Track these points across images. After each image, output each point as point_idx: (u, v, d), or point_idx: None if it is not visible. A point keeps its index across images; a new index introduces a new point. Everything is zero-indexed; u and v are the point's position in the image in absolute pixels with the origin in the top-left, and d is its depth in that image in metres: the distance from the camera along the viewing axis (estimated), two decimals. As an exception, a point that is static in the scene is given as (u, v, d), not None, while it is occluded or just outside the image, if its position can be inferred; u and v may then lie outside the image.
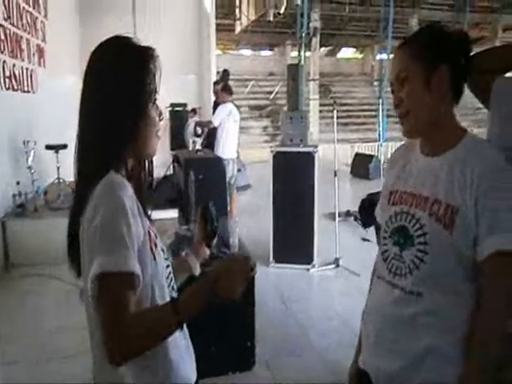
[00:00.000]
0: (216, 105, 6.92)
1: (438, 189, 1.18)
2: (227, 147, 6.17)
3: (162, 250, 1.09)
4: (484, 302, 1.13)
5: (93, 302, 0.91)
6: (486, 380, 1.11)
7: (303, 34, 15.73)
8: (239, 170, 6.80)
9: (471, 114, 21.83)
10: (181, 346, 1.10)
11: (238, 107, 7.24)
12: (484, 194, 1.10)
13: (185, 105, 7.73)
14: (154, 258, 1.01)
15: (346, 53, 25.96)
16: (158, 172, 5.31)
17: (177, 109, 7.69)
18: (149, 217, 1.12)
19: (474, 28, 21.43)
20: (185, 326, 1.01)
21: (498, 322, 1.11)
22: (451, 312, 1.17)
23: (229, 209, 6.75)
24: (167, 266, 1.12)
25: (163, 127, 8.47)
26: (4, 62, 4.63)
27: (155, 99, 1.07)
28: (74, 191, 1.06)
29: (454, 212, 1.14)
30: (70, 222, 1.03)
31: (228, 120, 6.24)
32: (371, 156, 10.11)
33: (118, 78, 1.01)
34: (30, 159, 4.64)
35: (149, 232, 1.02)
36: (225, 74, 7.66)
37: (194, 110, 7.80)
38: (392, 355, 1.25)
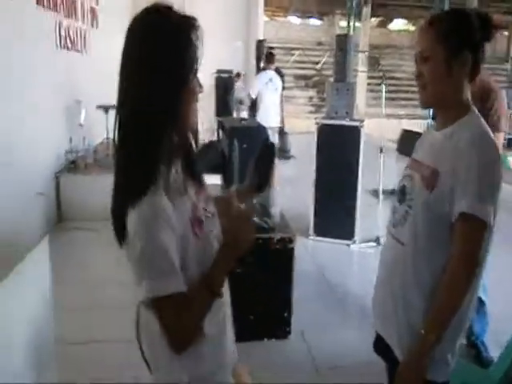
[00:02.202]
0: (262, 69, 6.86)
1: (432, 156, 1.37)
2: (266, 116, 6.16)
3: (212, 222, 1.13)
4: (449, 263, 1.27)
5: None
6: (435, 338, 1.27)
7: (353, 3, 15.24)
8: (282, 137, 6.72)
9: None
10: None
11: (282, 75, 7.16)
12: (460, 164, 1.25)
13: (231, 71, 7.71)
14: (200, 241, 1.06)
15: (398, 24, 24.94)
16: (203, 137, 5.38)
17: (222, 75, 7.67)
18: (201, 184, 1.15)
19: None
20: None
21: (455, 288, 1.26)
22: (425, 266, 1.33)
23: None
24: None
25: (208, 93, 8.54)
26: (60, 22, 4.73)
27: (196, 70, 1.04)
28: (115, 188, 1.04)
29: (436, 175, 1.31)
30: (114, 218, 1.04)
31: (266, 88, 6.24)
32: (419, 133, 9.72)
33: (158, 49, 0.98)
34: (82, 118, 4.79)
35: (192, 219, 1.05)
36: (259, 45, 7.56)
37: (238, 75, 7.79)
38: (380, 308, 1.50)
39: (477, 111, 1.38)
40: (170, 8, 1.02)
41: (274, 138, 6.44)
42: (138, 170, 0.99)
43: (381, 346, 1.51)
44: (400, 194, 1.45)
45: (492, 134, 1.33)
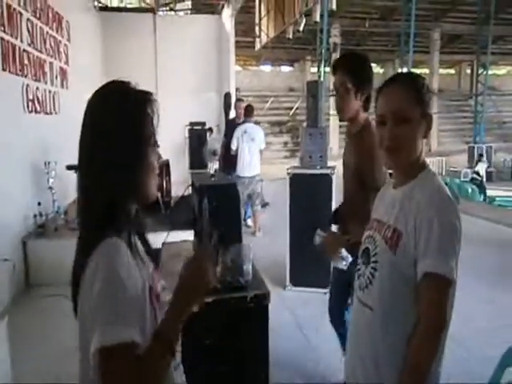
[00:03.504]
0: (231, 123, 6.96)
1: (392, 215, 1.37)
2: (244, 166, 6.41)
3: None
4: (417, 326, 1.26)
5: (96, 372, 0.91)
6: None
7: (323, 50, 15.79)
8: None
9: (496, 128, 21.51)
10: None
11: (258, 123, 7.30)
12: (421, 223, 1.26)
13: (203, 123, 7.80)
14: (155, 311, 1.02)
15: (367, 67, 25.86)
16: (177, 191, 5.35)
17: (195, 127, 7.76)
18: (155, 261, 1.12)
19: (499, 41, 21.15)
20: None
21: (425, 351, 1.24)
22: (394, 328, 1.32)
23: (251, 224, 6.82)
24: None
25: (182, 146, 8.58)
26: (27, 85, 4.75)
27: (154, 143, 1.07)
28: (78, 242, 1.05)
29: (398, 235, 1.31)
30: (73, 274, 1.03)
31: (242, 141, 6.44)
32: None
33: (116, 124, 1.01)
34: (51, 180, 4.73)
35: (150, 286, 1.02)
36: (226, 98, 7.73)
37: (210, 129, 7.89)
38: (352, 364, 1.47)
39: (430, 167, 1.40)
40: (126, 83, 1.06)
41: (256, 187, 6.52)
42: (87, 238, 1.01)
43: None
44: (364, 257, 1.44)
45: (447, 190, 1.33)
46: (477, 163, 13.30)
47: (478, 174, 12.29)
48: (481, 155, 13.75)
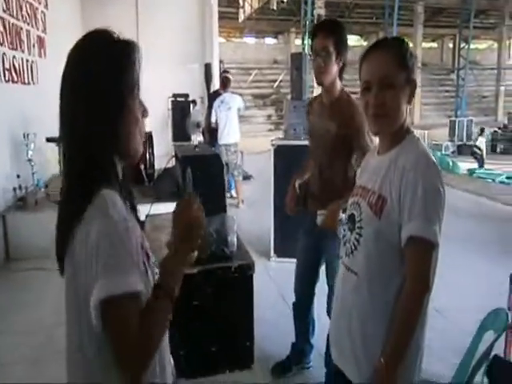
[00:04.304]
0: (214, 95, 6.94)
1: (377, 182, 1.37)
2: (223, 135, 6.57)
3: (154, 262, 1.07)
4: (403, 288, 1.29)
5: (99, 324, 0.89)
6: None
7: (307, 22, 15.60)
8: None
9: (476, 102, 21.69)
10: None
11: (240, 94, 7.30)
12: (406, 188, 1.27)
13: (187, 95, 7.68)
14: (146, 273, 1.00)
15: (351, 40, 25.68)
16: (160, 163, 5.30)
17: (179, 99, 7.64)
18: (140, 222, 1.11)
19: (481, 15, 21.14)
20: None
21: (410, 311, 1.27)
22: (380, 293, 1.34)
23: (235, 195, 6.86)
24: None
25: (165, 118, 8.45)
26: (4, 54, 4.60)
27: (137, 94, 1.03)
28: (62, 200, 1.02)
29: (383, 201, 1.32)
30: (58, 238, 0.99)
31: (220, 110, 6.60)
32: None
33: (97, 71, 0.97)
34: (31, 152, 4.63)
35: (141, 244, 1.00)
36: (207, 69, 7.71)
37: (193, 101, 7.82)
38: (337, 330, 1.49)
39: (415, 133, 1.40)
40: (109, 32, 1.02)
41: (233, 158, 6.56)
42: (78, 192, 0.95)
43: (339, 376, 1.48)
44: (349, 223, 1.45)
45: (431, 155, 1.35)
46: (477, 137, 13.34)
47: (478, 148, 12.33)
48: (482, 130, 13.74)
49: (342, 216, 2.11)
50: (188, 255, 1.05)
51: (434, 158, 1.33)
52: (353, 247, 1.40)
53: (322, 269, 2.56)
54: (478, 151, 12.10)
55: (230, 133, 6.60)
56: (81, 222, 0.92)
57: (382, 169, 1.37)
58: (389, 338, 1.28)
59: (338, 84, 2.31)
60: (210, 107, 6.86)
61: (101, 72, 0.97)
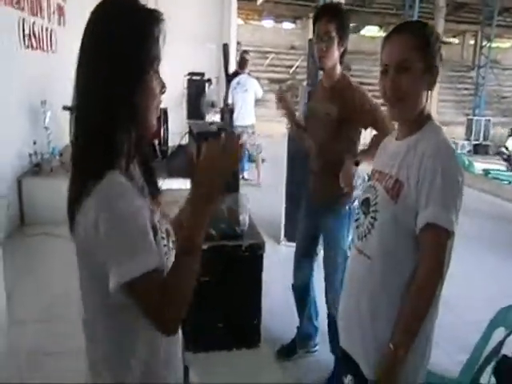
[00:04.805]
0: (233, 76, 6.91)
1: (394, 166, 1.36)
2: (239, 116, 6.60)
3: (166, 231, 1.06)
4: (416, 274, 1.28)
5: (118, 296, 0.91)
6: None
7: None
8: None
9: (496, 102, 21.39)
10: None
11: (256, 78, 7.29)
12: (424, 174, 1.26)
13: (202, 74, 7.63)
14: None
15: (370, 31, 25.33)
16: (174, 140, 5.29)
17: (194, 77, 7.59)
18: (156, 191, 1.10)
19: (505, 13, 20.71)
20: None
21: (421, 297, 1.27)
22: (392, 278, 1.33)
23: (248, 177, 6.89)
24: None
25: (180, 96, 8.42)
26: (23, 19, 4.57)
27: (157, 66, 0.99)
28: (72, 171, 0.98)
29: (400, 186, 1.31)
30: (69, 207, 0.98)
31: (236, 92, 6.63)
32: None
33: (119, 35, 0.94)
34: (47, 120, 4.64)
35: (151, 219, 0.98)
36: (225, 49, 7.65)
37: (209, 80, 7.78)
38: (347, 313, 1.48)
39: (435, 121, 1.39)
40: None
41: (254, 137, 6.61)
42: (92, 156, 0.94)
43: (347, 361, 1.48)
44: (364, 206, 1.44)
45: (451, 143, 1.34)
46: (507, 138, 13.05)
47: (506, 148, 12.09)
48: (512, 130, 13.47)
49: (355, 170, 2.14)
50: (211, 198, 0.96)
51: (454, 147, 1.32)
52: (366, 231, 1.39)
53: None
54: (505, 151, 11.81)
55: (246, 115, 6.63)
56: (85, 205, 0.91)
57: (401, 154, 1.35)
58: (399, 324, 1.28)
59: (338, 68, 2.34)
60: (228, 88, 6.84)
61: (123, 36, 0.93)
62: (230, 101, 6.61)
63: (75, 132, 0.98)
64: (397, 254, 1.33)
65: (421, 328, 1.27)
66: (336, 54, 2.27)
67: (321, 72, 2.67)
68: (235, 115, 6.59)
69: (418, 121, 1.35)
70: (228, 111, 6.60)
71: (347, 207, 2.34)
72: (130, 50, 0.94)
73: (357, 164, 2.22)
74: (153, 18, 0.97)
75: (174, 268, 0.95)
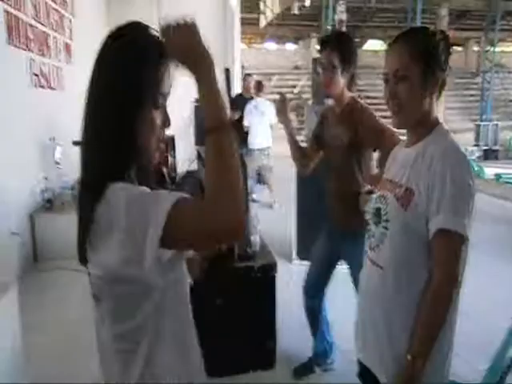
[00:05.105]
0: (239, 98, 6.99)
1: (404, 175, 1.35)
2: (256, 139, 6.68)
3: None
4: (430, 282, 1.26)
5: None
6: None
7: (328, 27, 15.55)
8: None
9: (502, 106, 21.27)
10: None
11: (271, 100, 7.39)
12: (434, 179, 1.25)
13: (209, 99, 7.73)
14: None
15: (372, 45, 25.52)
16: (183, 167, 5.35)
17: (201, 103, 7.69)
18: None
19: (508, 17, 20.76)
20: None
21: (438, 305, 1.25)
22: (406, 287, 1.31)
23: (256, 198, 6.90)
24: None
25: (187, 122, 8.54)
26: (32, 59, 4.72)
27: (162, 103, 0.98)
28: (78, 203, 1.00)
29: (411, 194, 1.30)
30: (79, 240, 0.98)
31: (251, 115, 6.69)
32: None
33: (118, 71, 0.93)
34: (58, 155, 4.73)
35: None
36: (227, 74, 7.77)
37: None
38: (362, 326, 1.47)
39: (444, 125, 1.38)
40: (146, 28, 0.98)
41: (268, 160, 6.66)
42: (95, 183, 0.94)
43: (365, 374, 1.47)
44: (375, 216, 1.43)
45: (460, 147, 1.32)
46: None
47: None
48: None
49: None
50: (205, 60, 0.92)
51: (463, 150, 1.30)
52: (378, 241, 1.39)
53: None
54: None
55: (263, 138, 6.71)
56: (95, 218, 0.90)
57: (410, 161, 1.35)
58: (415, 333, 1.26)
59: (346, 96, 2.34)
60: (233, 109, 6.91)
61: (126, 68, 0.92)
62: (246, 123, 6.68)
63: (83, 163, 1.00)
64: (410, 262, 1.31)
65: (439, 336, 1.25)
66: (341, 81, 2.29)
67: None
68: (252, 138, 6.69)
69: (425, 127, 1.35)
70: (241, 134, 6.63)
71: None
72: (129, 81, 0.93)
73: (371, 193, 2.20)
74: (160, 52, 0.95)
75: (209, 161, 0.87)
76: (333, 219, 2.47)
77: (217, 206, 0.83)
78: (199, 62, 0.91)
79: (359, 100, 2.38)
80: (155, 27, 0.98)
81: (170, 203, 0.83)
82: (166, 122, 1.01)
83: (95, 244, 0.92)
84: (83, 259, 0.98)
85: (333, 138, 2.39)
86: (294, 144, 2.57)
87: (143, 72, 0.94)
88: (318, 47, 2.38)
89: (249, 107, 6.75)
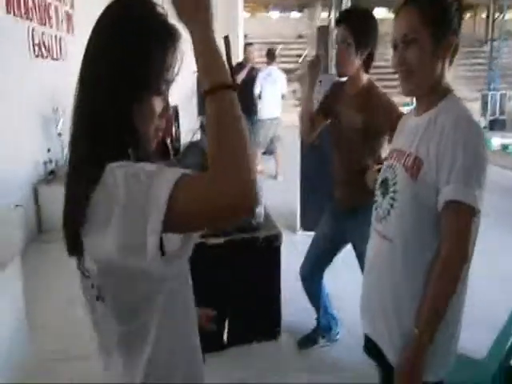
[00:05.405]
0: (239, 66, 6.90)
1: (413, 144, 1.29)
2: (267, 108, 6.61)
3: None
4: (439, 254, 1.22)
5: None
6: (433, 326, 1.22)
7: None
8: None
9: (511, 75, 20.88)
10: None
11: (282, 70, 7.35)
12: (444, 148, 1.20)
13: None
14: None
15: (378, 13, 24.96)
16: (186, 137, 5.32)
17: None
18: None
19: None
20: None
21: (447, 277, 1.22)
22: (415, 259, 1.27)
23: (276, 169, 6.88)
24: None
25: (190, 92, 8.43)
26: (33, 29, 4.64)
27: (163, 91, 0.89)
28: (67, 190, 0.90)
29: (420, 163, 1.25)
30: (68, 231, 0.89)
31: (266, 82, 6.63)
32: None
33: (118, 49, 0.83)
34: (60, 126, 4.70)
35: None
36: (226, 42, 7.67)
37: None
38: (368, 299, 1.45)
39: (455, 93, 1.32)
40: (151, 3, 0.87)
41: (277, 129, 6.61)
42: (85, 173, 0.83)
43: (371, 348, 1.46)
44: (382, 187, 1.39)
45: (473, 115, 1.27)
46: None
47: None
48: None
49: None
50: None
51: (475, 119, 1.25)
52: (386, 212, 1.34)
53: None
54: None
55: (273, 107, 6.64)
56: (90, 200, 0.80)
57: (420, 129, 1.29)
58: (423, 306, 1.23)
59: (362, 77, 2.22)
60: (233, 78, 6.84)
61: (126, 47, 0.83)
62: (257, 91, 6.60)
63: (70, 144, 0.89)
64: (419, 234, 1.27)
65: (447, 310, 1.21)
66: (355, 61, 2.15)
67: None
68: (264, 106, 6.61)
69: (436, 94, 1.29)
70: (246, 102, 6.50)
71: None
72: (130, 65, 0.84)
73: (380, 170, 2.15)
74: (166, 34, 0.86)
75: (210, 127, 0.76)
76: (337, 198, 2.43)
77: (222, 178, 0.72)
78: (194, 14, 0.80)
79: (375, 85, 2.25)
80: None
81: (171, 182, 0.73)
82: (166, 109, 0.92)
83: (91, 235, 0.82)
84: (73, 251, 0.89)
85: (347, 120, 2.29)
86: (309, 109, 2.46)
87: (150, 53, 0.84)
88: (336, 21, 2.24)
89: (262, 75, 6.68)
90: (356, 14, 2.23)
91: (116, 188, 0.76)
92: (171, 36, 0.87)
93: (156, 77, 0.87)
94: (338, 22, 2.21)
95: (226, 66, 0.82)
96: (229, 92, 0.78)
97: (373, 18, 2.23)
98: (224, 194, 0.72)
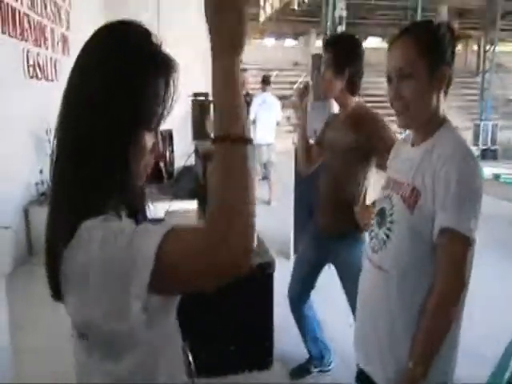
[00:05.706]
0: None
1: (410, 174, 1.30)
2: (262, 134, 6.67)
3: None
4: (434, 286, 1.21)
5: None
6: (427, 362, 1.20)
7: (328, 23, 15.48)
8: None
9: (502, 105, 21.26)
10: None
11: (277, 96, 7.45)
12: (439, 180, 1.20)
13: (206, 94, 7.67)
14: None
15: (372, 42, 25.46)
16: (180, 162, 5.31)
17: (199, 98, 7.63)
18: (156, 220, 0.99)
19: (508, 16, 20.72)
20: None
21: (442, 310, 1.19)
22: (411, 292, 1.26)
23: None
24: None
25: (184, 117, 8.49)
26: (28, 50, 4.64)
27: (156, 125, 0.83)
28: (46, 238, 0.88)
29: (417, 194, 1.25)
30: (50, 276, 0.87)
31: (261, 109, 6.73)
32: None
33: (119, 79, 0.77)
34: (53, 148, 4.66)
35: None
36: None
37: (211, 102, 7.86)
38: (363, 331, 1.43)
39: (451, 123, 1.33)
40: (144, 30, 0.81)
41: (271, 155, 6.67)
42: (62, 222, 0.80)
43: (364, 381, 1.43)
44: (379, 218, 1.38)
45: (469, 146, 1.27)
46: None
47: None
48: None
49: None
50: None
51: (471, 149, 1.26)
52: (382, 243, 1.33)
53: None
54: None
55: (267, 133, 6.75)
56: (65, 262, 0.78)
57: (417, 160, 1.29)
58: (418, 340, 1.20)
59: (349, 99, 2.27)
60: None
61: (114, 79, 0.77)
62: (251, 117, 6.63)
63: (52, 179, 0.84)
64: (415, 267, 1.26)
65: (443, 343, 1.19)
66: (336, 83, 2.23)
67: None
68: (259, 134, 6.66)
69: (432, 125, 1.29)
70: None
71: (361, 236, 2.26)
72: (119, 98, 0.77)
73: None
74: (161, 66, 0.81)
75: (215, 177, 0.70)
76: (320, 222, 2.44)
77: (220, 234, 0.67)
78: (233, 42, 0.72)
79: (365, 106, 2.31)
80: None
81: (158, 239, 0.68)
82: (156, 147, 0.85)
83: (69, 292, 0.79)
84: (57, 296, 0.85)
85: (333, 141, 2.34)
86: (304, 137, 2.53)
87: (142, 87, 0.78)
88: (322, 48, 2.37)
89: (257, 100, 6.75)
90: (338, 39, 2.37)
91: (92, 255, 0.72)
92: (166, 68, 0.82)
93: (148, 111, 0.81)
94: (323, 46, 2.32)
95: (245, 113, 0.74)
96: (244, 147, 0.70)
97: (354, 41, 2.31)
98: (219, 252, 0.67)
